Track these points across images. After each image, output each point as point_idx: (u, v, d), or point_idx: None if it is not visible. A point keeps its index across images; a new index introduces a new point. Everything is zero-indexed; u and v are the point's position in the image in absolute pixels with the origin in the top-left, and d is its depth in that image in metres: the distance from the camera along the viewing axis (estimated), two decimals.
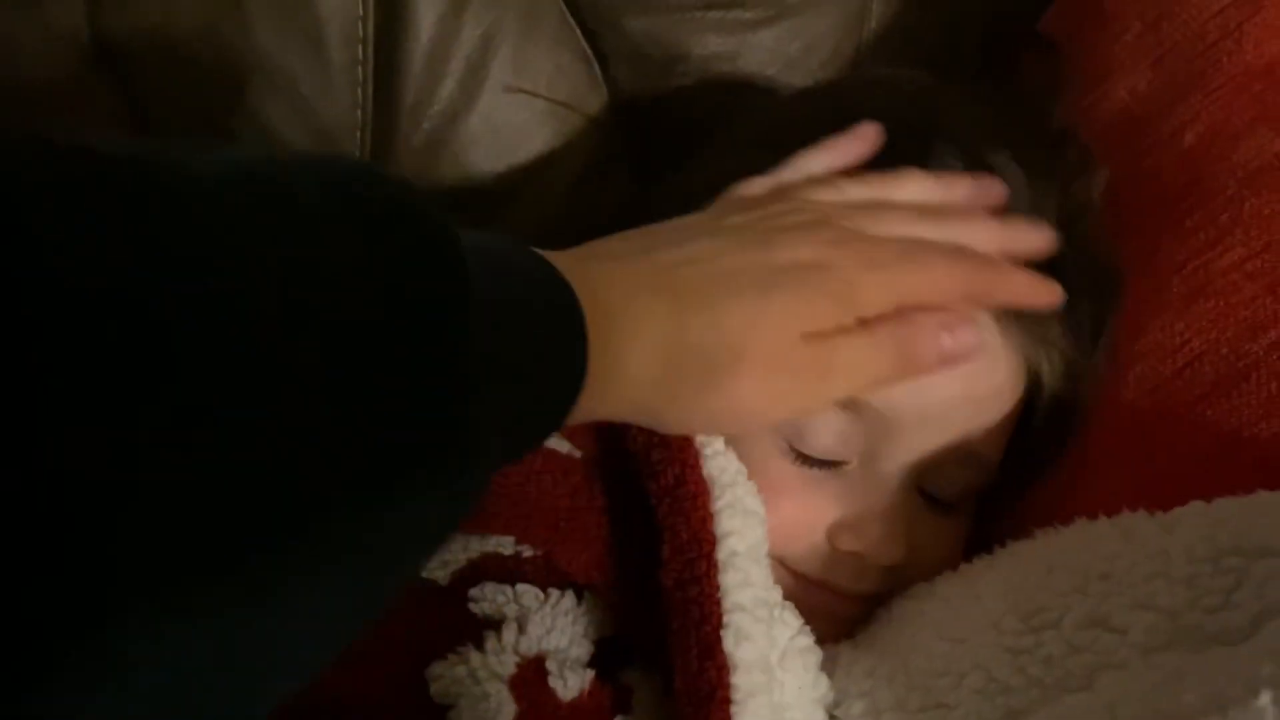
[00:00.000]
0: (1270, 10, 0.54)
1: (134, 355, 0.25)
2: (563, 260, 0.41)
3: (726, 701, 0.43)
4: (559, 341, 0.39)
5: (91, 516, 0.24)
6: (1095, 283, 0.54)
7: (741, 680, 0.44)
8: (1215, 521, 0.42)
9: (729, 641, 0.44)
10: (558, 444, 0.51)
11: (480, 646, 0.47)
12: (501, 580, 0.49)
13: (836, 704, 0.48)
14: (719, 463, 0.48)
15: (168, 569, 0.26)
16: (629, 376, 0.42)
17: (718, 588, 0.45)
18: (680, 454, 0.48)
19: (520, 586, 0.49)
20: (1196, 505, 0.44)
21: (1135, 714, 0.38)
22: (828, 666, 0.50)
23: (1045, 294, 0.50)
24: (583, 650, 0.48)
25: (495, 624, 0.48)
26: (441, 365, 0.31)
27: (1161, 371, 0.50)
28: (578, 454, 0.50)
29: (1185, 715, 0.36)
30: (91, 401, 0.24)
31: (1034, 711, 0.42)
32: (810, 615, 0.52)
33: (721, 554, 0.46)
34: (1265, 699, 0.34)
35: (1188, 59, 0.56)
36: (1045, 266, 0.53)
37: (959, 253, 0.49)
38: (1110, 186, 0.56)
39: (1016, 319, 0.53)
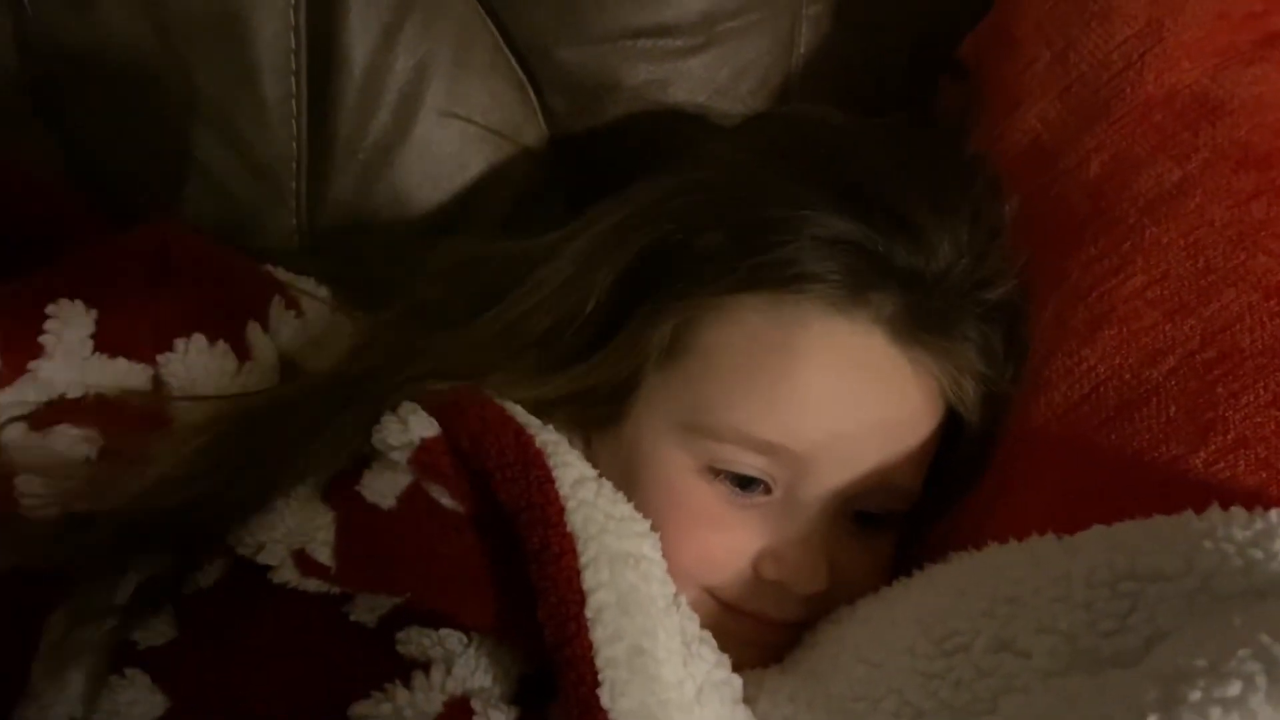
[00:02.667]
0: (1170, 41, 0.56)
1: None
2: None
3: None
4: None
5: None
6: (1007, 309, 0.56)
7: None
8: (1114, 546, 0.44)
9: (605, 697, 0.45)
10: (441, 496, 0.51)
11: (407, 685, 0.48)
12: (425, 624, 0.50)
13: None
14: (583, 514, 0.49)
15: None
16: None
17: (589, 646, 0.46)
18: (543, 513, 0.49)
19: (444, 631, 0.50)
20: (1098, 529, 0.45)
21: None
22: (752, 692, 0.51)
23: None
24: (507, 687, 0.49)
25: (422, 665, 0.49)
26: None
27: (1069, 397, 0.51)
28: (459, 508, 0.51)
29: None
30: None
31: None
32: (737, 643, 0.52)
33: (589, 611, 0.47)
34: None
35: (1093, 88, 0.58)
36: (960, 297, 0.55)
37: None
38: (1021, 213, 0.58)
39: (928, 348, 0.54)
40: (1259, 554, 0.40)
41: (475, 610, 0.50)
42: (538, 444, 0.52)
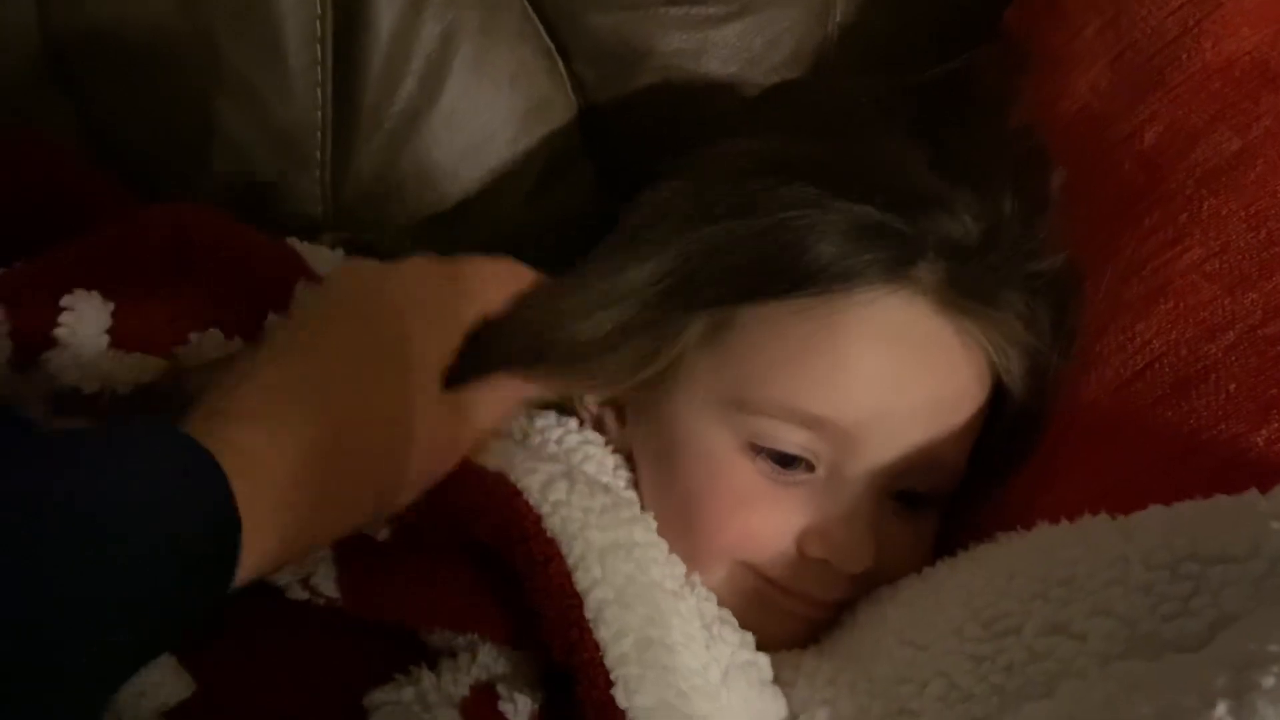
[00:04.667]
0: (1228, 6, 0.54)
1: None
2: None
3: None
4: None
5: None
6: (1055, 283, 0.54)
7: None
8: (1174, 527, 0.42)
9: (621, 698, 0.44)
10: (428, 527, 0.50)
11: (433, 668, 0.47)
12: None
13: (798, 713, 0.48)
14: (560, 515, 0.48)
15: None
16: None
17: (597, 647, 0.45)
18: (521, 528, 0.47)
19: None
20: (1156, 510, 0.44)
21: None
22: (789, 675, 0.50)
23: None
24: (532, 673, 0.48)
25: (449, 653, 0.48)
26: None
27: (1121, 373, 0.50)
28: (445, 538, 0.50)
29: None
30: None
31: (995, 719, 0.42)
32: (780, 620, 0.52)
33: (589, 612, 0.46)
34: (1221, 710, 0.34)
35: (1147, 56, 0.56)
36: (1004, 267, 0.53)
37: None
38: (1070, 185, 0.56)
39: (973, 317, 0.52)
40: None
41: (486, 630, 0.49)
42: (491, 467, 0.50)
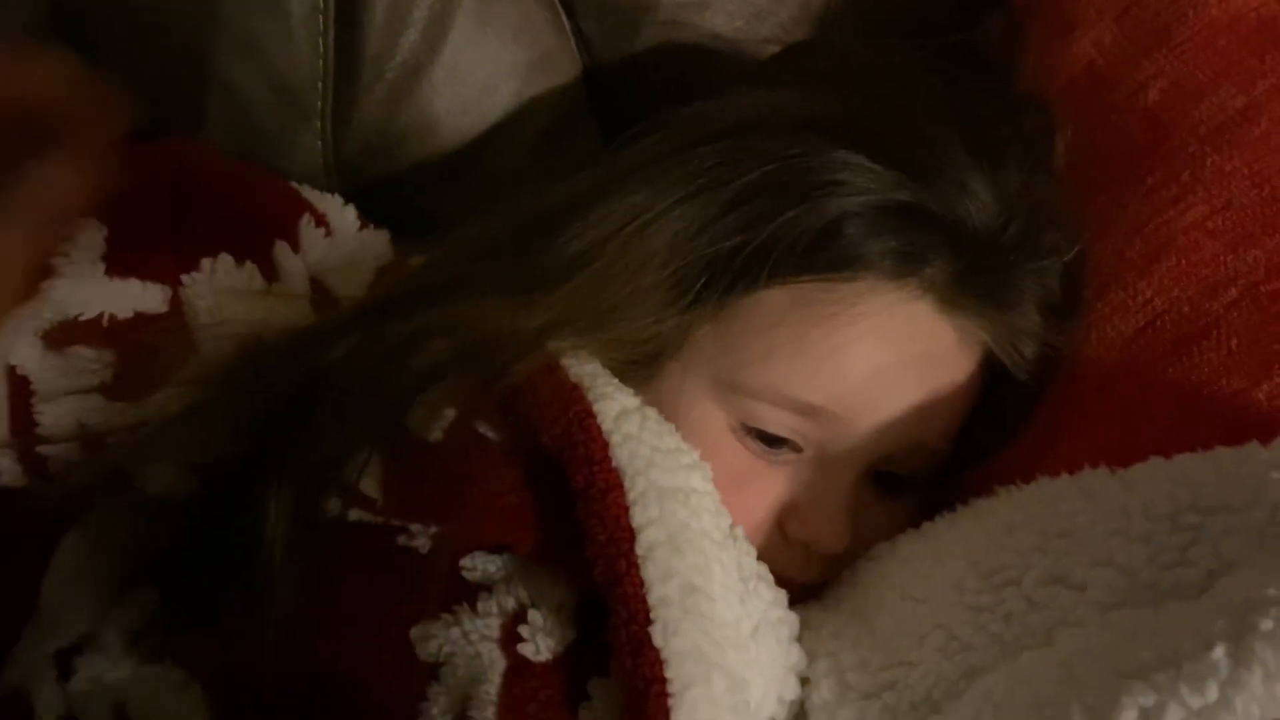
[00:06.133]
0: None
1: None
2: None
3: (664, 695, 0.44)
4: None
5: None
6: (1066, 275, 0.54)
7: (676, 673, 0.44)
8: (1174, 479, 0.43)
9: (658, 637, 0.44)
10: (486, 430, 0.50)
11: (474, 607, 0.47)
12: (490, 550, 0.49)
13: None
14: (629, 449, 0.48)
15: None
16: None
17: (641, 584, 0.45)
18: (587, 450, 0.47)
19: (508, 556, 0.49)
20: (1156, 462, 0.44)
21: (1092, 671, 0.38)
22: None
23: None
24: (570, 602, 0.48)
25: (486, 587, 0.48)
26: None
27: (1123, 330, 0.50)
28: (504, 441, 0.50)
29: (1140, 671, 0.36)
30: None
31: (994, 669, 0.43)
32: None
33: (640, 548, 0.46)
34: (1219, 652, 0.35)
35: (1153, 13, 0.56)
36: (1015, 255, 0.53)
37: None
38: (1074, 143, 0.56)
39: (979, 314, 0.52)
40: None
41: (520, 540, 0.49)
42: (573, 377, 0.50)
